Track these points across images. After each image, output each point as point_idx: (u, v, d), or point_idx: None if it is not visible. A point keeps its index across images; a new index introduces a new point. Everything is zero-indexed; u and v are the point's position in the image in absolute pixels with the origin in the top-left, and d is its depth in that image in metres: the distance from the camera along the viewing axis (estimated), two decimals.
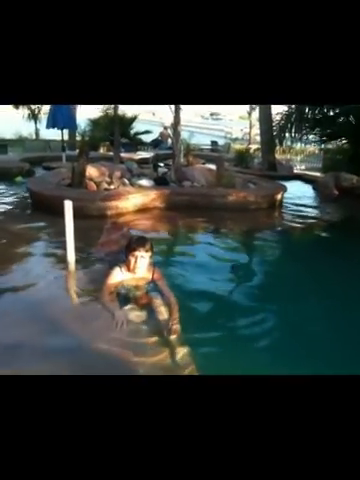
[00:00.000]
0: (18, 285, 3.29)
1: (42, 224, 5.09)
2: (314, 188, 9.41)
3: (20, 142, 13.77)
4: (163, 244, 4.90)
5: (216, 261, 4.42)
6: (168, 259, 4.41)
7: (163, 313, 2.90)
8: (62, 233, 3.50)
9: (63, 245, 3.57)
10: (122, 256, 3.36)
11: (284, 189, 7.44)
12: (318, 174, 10.72)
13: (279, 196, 7.18)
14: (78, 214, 4.83)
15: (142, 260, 3.07)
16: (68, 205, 3.41)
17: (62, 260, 3.70)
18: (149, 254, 3.11)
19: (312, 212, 7.18)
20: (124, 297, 3.13)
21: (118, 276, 3.14)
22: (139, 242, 3.08)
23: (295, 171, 11.69)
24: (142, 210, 6.14)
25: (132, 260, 3.07)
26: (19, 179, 8.01)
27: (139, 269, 3.11)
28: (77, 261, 3.61)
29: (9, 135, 15.16)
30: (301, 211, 7.11)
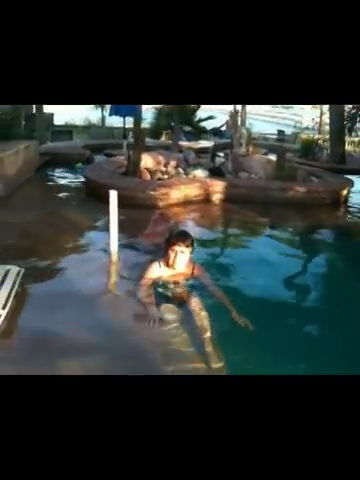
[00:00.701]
0: (60, 271, 3.37)
1: (93, 212, 5.19)
2: None
3: (86, 129, 14.25)
4: (210, 240, 4.75)
5: (267, 262, 4.15)
6: (213, 256, 4.25)
7: (200, 314, 2.78)
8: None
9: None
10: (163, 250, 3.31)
11: (351, 184, 6.87)
12: None
13: (345, 191, 6.65)
14: (128, 203, 4.93)
15: (182, 256, 2.98)
16: (113, 195, 3.40)
17: (106, 250, 3.73)
18: (189, 250, 3.01)
19: None
20: (162, 293, 3.07)
21: (156, 271, 3.08)
22: (180, 237, 2.99)
23: None
24: (193, 202, 6.02)
25: (171, 255, 2.98)
26: (79, 165, 8.27)
27: (178, 265, 3.02)
28: (120, 251, 3.61)
29: (78, 121, 15.72)
30: None
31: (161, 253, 3.75)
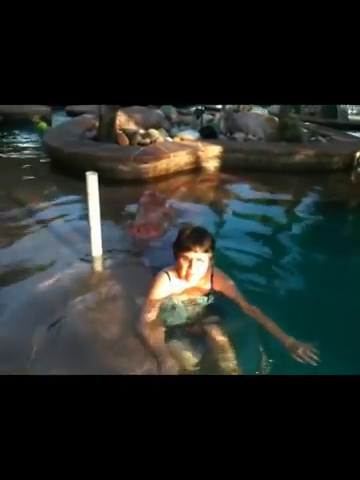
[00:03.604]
0: (19, 283, 2.43)
1: (61, 193, 4.15)
2: None
3: None
4: (210, 219, 3.91)
5: (278, 248, 3.41)
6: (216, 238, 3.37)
7: (224, 346, 1.99)
8: (86, 208, 2.54)
9: (87, 226, 2.62)
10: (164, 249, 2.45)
11: None
12: None
13: (358, 154, 5.87)
14: (107, 178, 3.93)
15: (198, 264, 2.10)
16: (92, 179, 2.43)
17: (84, 251, 2.78)
18: (209, 255, 2.13)
19: None
20: (171, 320, 2.22)
21: (166, 287, 2.21)
22: (194, 239, 2.08)
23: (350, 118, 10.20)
24: (184, 172, 5.07)
25: (184, 265, 2.11)
26: (43, 126, 6.96)
27: (194, 277, 2.15)
28: (105, 255, 2.69)
29: None
30: None
31: (161, 253, 2.87)
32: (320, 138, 6.21)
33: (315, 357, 1.79)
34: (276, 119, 6.21)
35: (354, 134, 7.14)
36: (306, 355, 1.81)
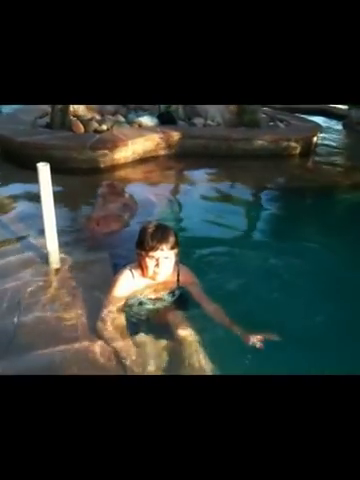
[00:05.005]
0: None
1: (12, 187, 3.90)
2: (345, 125, 8.10)
3: None
4: (172, 208, 3.84)
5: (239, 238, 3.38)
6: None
7: (191, 341, 1.95)
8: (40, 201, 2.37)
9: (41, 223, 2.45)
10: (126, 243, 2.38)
11: (320, 129, 6.18)
12: (345, 107, 9.25)
13: (315, 138, 5.95)
14: (62, 168, 3.75)
15: (166, 262, 2.04)
16: (44, 170, 2.25)
17: (39, 251, 2.62)
18: (175, 252, 2.07)
19: (354, 159, 5.94)
20: (136, 316, 2.14)
21: (129, 284, 2.13)
22: (160, 238, 2.00)
23: None
24: (144, 160, 4.92)
25: (150, 264, 2.03)
26: None
27: (161, 275, 2.08)
28: (61, 252, 2.53)
29: None
30: (339, 157, 5.95)
31: (122, 247, 2.77)
32: (278, 123, 6.24)
33: (261, 345, 1.87)
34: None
35: (310, 118, 7.23)
36: (252, 339, 1.88)
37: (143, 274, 2.11)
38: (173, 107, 6.32)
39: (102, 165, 4.43)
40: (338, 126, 8.10)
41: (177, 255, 2.09)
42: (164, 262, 2.03)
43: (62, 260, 2.50)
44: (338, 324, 2.22)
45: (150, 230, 2.03)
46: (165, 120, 5.67)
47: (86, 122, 5.19)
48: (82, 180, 4.15)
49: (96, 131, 5.08)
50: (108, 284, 2.16)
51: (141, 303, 2.16)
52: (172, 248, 2.03)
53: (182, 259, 2.20)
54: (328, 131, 7.27)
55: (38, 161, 2.28)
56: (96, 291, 2.22)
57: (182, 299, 2.22)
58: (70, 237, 2.82)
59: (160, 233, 2.02)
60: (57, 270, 2.45)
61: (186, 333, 1.98)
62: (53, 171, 2.28)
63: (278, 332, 1.92)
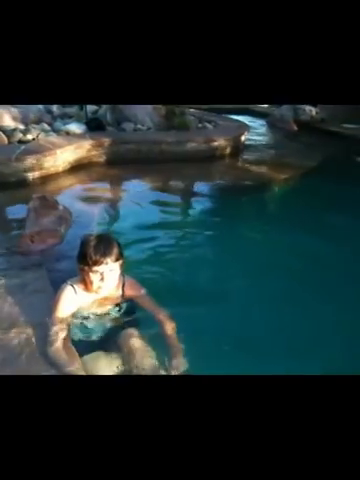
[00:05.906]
0: None
1: None
2: (268, 123, 8.52)
3: None
4: (108, 216, 3.78)
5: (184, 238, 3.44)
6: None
7: (142, 353, 1.92)
8: None
9: None
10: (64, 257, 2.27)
11: (247, 129, 6.42)
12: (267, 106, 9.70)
13: (243, 138, 6.17)
14: None
15: (111, 274, 1.99)
16: None
17: None
18: (120, 263, 2.02)
19: (281, 155, 6.24)
20: (83, 333, 2.06)
21: (71, 301, 2.05)
22: (103, 251, 1.94)
23: None
24: (74, 169, 4.77)
25: (95, 278, 1.97)
26: None
27: (106, 289, 2.03)
28: None
29: None
30: (267, 155, 6.20)
31: (61, 262, 2.66)
32: (206, 124, 6.38)
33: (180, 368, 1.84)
34: (163, 107, 6.19)
35: (236, 117, 7.49)
36: (176, 364, 1.85)
37: (87, 289, 2.04)
38: (101, 112, 6.21)
39: (31, 177, 4.22)
40: (262, 124, 8.49)
41: (122, 266, 2.05)
42: (109, 275, 1.97)
43: None
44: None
45: (92, 243, 1.96)
46: (93, 127, 5.54)
47: (9, 133, 4.92)
48: (10, 195, 3.93)
49: (21, 142, 4.84)
50: (49, 303, 2.06)
51: (87, 318, 2.08)
52: (117, 260, 1.98)
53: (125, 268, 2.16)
54: (253, 130, 7.58)
55: None
56: (38, 313, 2.10)
57: (130, 313, 2.18)
58: (2, 258, 2.64)
59: (103, 246, 1.95)
60: None
61: (138, 346, 1.94)
62: None
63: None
